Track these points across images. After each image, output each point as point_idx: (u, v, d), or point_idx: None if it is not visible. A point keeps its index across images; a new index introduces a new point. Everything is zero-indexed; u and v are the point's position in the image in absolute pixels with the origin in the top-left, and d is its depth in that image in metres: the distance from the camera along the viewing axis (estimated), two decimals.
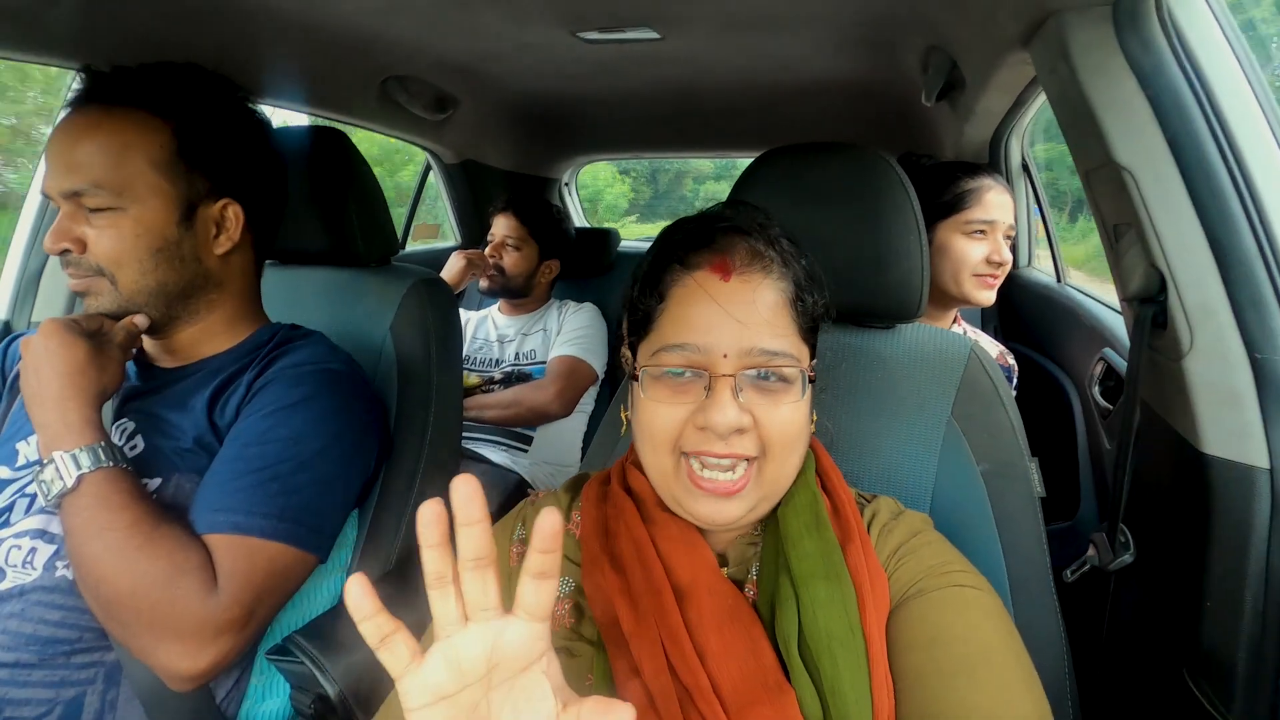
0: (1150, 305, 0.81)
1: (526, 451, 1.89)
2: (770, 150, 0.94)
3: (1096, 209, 0.92)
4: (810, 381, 0.64)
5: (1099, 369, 1.23)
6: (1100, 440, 1.19)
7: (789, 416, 0.61)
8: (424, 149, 2.33)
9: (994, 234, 1.29)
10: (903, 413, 0.86)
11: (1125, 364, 1.15)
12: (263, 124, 0.97)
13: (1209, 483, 0.74)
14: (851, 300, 0.89)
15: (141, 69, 0.87)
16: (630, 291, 0.69)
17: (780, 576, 0.61)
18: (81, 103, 0.84)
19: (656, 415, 0.62)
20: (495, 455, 1.84)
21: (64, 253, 0.83)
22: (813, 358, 0.67)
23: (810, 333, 0.66)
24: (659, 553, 0.63)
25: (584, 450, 1.99)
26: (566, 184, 2.90)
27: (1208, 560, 0.74)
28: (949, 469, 0.84)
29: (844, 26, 1.43)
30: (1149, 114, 0.76)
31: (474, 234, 2.56)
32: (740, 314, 0.61)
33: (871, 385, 0.88)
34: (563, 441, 1.95)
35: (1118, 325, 1.31)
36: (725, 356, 0.60)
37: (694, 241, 0.65)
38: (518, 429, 1.90)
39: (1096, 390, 1.22)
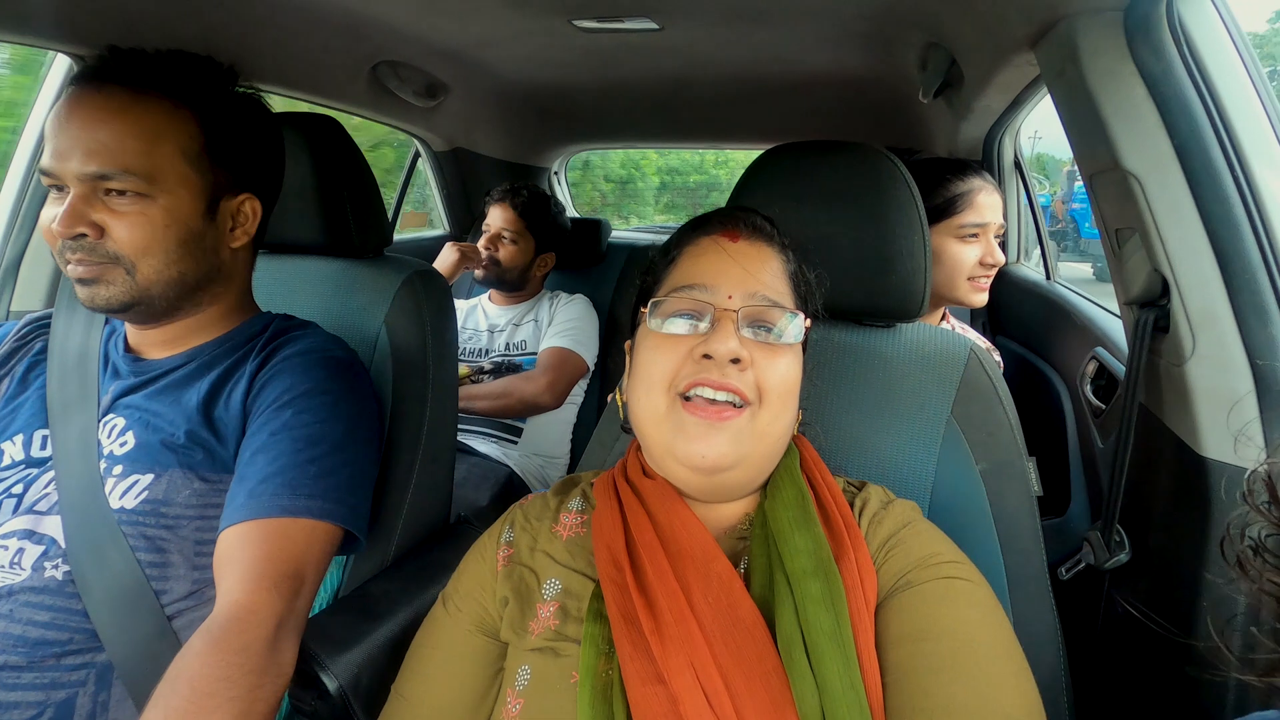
0: (1151, 309, 0.82)
1: (516, 444, 1.88)
2: (774, 147, 0.94)
3: (1099, 212, 0.92)
4: (804, 347, 0.69)
5: (1091, 367, 1.25)
6: (1091, 438, 1.20)
7: (785, 370, 0.65)
8: (413, 136, 2.29)
9: (986, 236, 1.29)
10: (902, 411, 0.87)
11: (1119, 364, 1.17)
12: (275, 118, 0.95)
13: (1208, 485, 0.75)
14: (853, 299, 0.89)
15: (159, 54, 0.83)
16: (641, 277, 0.75)
17: (775, 573, 0.61)
18: (99, 82, 0.79)
19: (657, 352, 0.65)
20: (485, 447, 1.83)
21: (77, 237, 0.78)
22: (805, 345, 0.71)
23: (804, 313, 0.70)
24: (664, 545, 0.63)
25: (573, 442, 1.99)
26: (556, 173, 2.87)
27: (1204, 562, 0.75)
28: (948, 468, 0.84)
29: (844, 21, 1.42)
30: (1156, 119, 0.76)
31: (463, 223, 2.52)
32: (747, 265, 0.67)
33: (871, 384, 0.88)
34: (552, 433, 1.94)
35: (1109, 324, 1.33)
36: (730, 298, 0.65)
37: (706, 218, 0.73)
38: (507, 420, 1.88)
39: (1088, 388, 1.24)
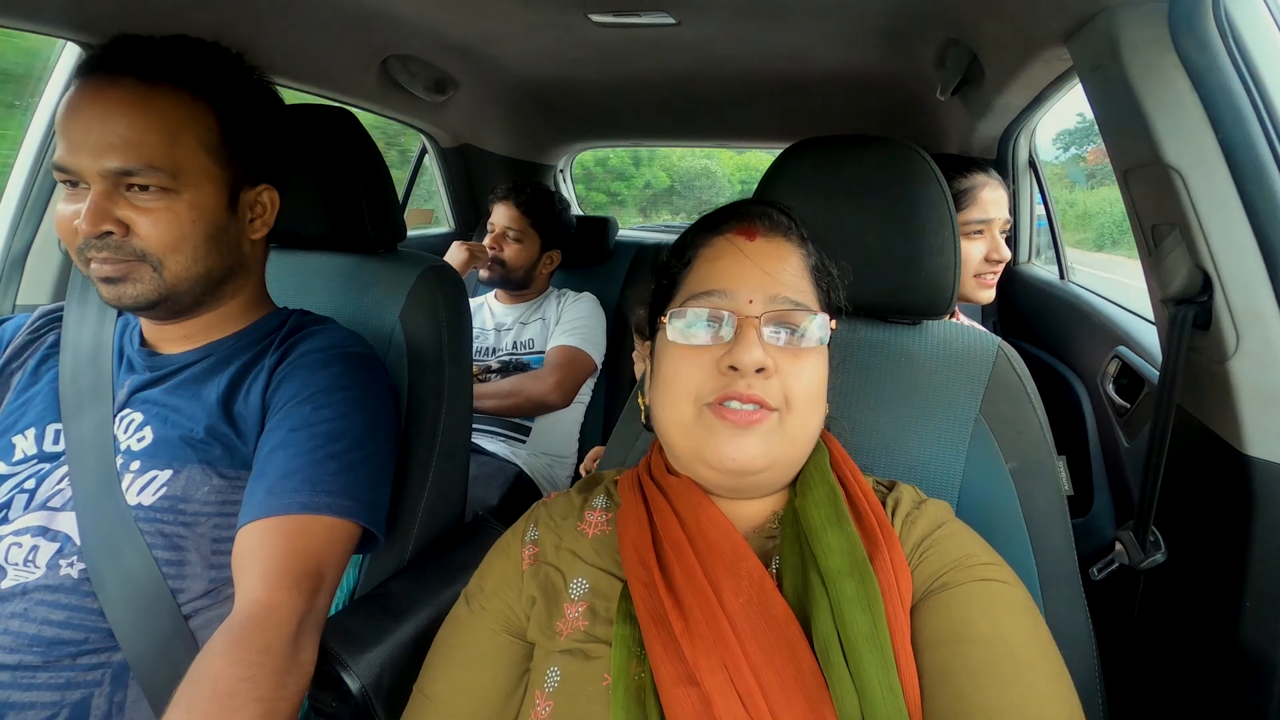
0: (1190, 306, 0.80)
1: (524, 442, 1.87)
2: (799, 142, 0.92)
3: (1133, 209, 0.91)
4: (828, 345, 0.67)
5: (1113, 366, 1.24)
6: (1115, 438, 1.19)
7: (810, 372, 0.63)
8: (420, 132, 2.27)
9: (991, 231, 1.29)
10: (930, 409, 0.85)
11: (1143, 362, 1.16)
12: (286, 107, 0.94)
13: (1251, 484, 0.74)
14: (881, 295, 0.87)
15: (170, 42, 0.81)
16: (651, 278, 0.72)
17: (809, 574, 0.60)
18: (111, 72, 0.77)
19: (680, 364, 0.64)
20: (493, 446, 1.81)
21: (102, 235, 0.76)
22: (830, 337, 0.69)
23: (828, 309, 0.68)
24: (692, 543, 0.62)
25: (581, 442, 1.97)
26: (562, 171, 2.85)
27: (1247, 560, 0.74)
28: (977, 466, 0.83)
29: (861, 17, 1.41)
30: (1200, 114, 0.75)
31: (469, 220, 2.51)
32: (766, 266, 0.65)
33: (899, 381, 0.87)
34: (560, 432, 1.93)
35: (1130, 323, 1.32)
36: (751, 302, 0.63)
37: (720, 216, 0.70)
38: (515, 420, 1.87)
39: (1110, 387, 1.23)
